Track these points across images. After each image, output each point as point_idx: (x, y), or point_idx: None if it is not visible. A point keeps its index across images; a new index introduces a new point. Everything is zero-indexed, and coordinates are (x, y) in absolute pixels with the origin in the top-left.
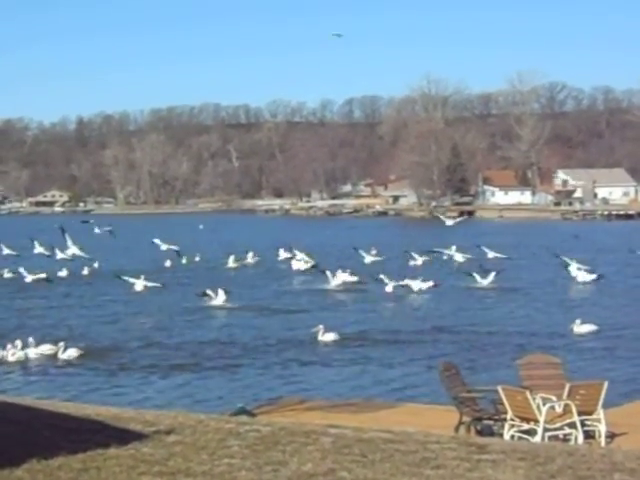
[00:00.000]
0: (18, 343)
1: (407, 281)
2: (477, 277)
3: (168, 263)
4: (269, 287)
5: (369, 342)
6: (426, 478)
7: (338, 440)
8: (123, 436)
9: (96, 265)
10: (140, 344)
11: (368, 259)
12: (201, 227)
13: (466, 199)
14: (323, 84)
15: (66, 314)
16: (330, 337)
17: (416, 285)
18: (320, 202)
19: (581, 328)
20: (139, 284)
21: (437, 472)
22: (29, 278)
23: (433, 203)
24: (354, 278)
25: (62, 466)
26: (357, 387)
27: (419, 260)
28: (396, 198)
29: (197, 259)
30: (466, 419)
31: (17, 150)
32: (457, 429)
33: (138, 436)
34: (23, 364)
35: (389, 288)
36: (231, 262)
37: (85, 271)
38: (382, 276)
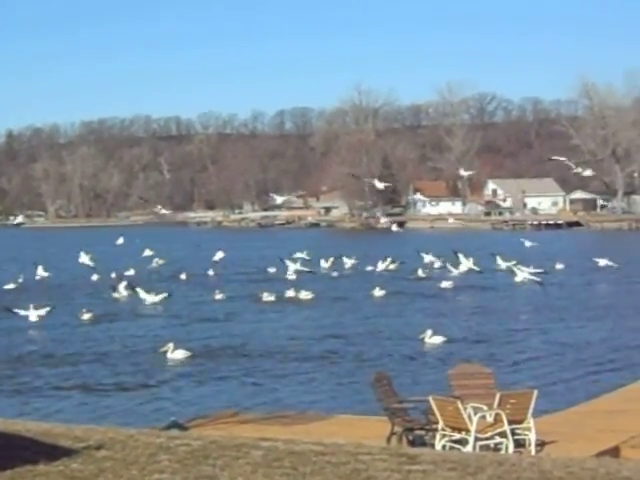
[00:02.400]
0: None
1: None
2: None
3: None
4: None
5: (297, 354)
6: None
7: (269, 453)
8: (52, 452)
9: None
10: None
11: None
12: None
13: (397, 210)
14: (254, 96)
15: None
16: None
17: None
18: (252, 214)
19: (432, 339)
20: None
21: None
22: None
23: (364, 214)
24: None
25: None
26: (291, 399)
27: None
28: (328, 209)
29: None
30: (398, 429)
31: None
32: (389, 440)
33: (67, 452)
34: None
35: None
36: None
37: None
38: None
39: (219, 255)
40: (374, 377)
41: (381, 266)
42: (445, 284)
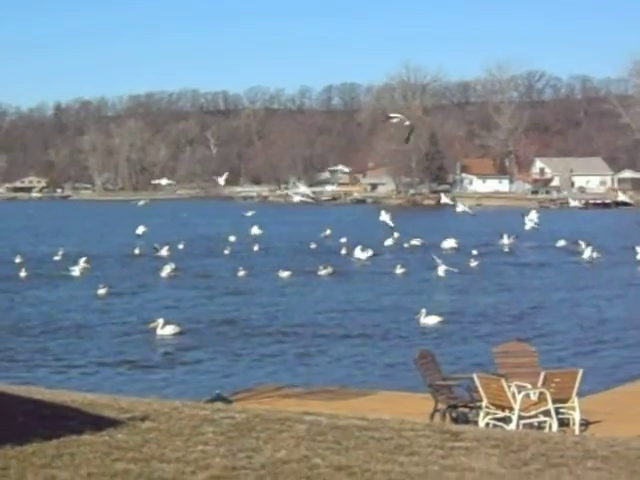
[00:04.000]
0: None
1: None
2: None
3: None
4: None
5: (344, 330)
6: (400, 465)
7: (312, 427)
8: (98, 422)
9: None
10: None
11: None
12: (184, 215)
13: (444, 187)
14: (302, 71)
15: None
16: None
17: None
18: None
19: (427, 319)
20: None
21: (411, 459)
22: None
23: (411, 191)
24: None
25: (36, 452)
26: (334, 374)
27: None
28: (374, 186)
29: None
30: (441, 407)
31: None
32: (432, 417)
33: (113, 422)
34: None
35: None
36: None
37: None
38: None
39: (255, 230)
40: (418, 354)
41: (445, 244)
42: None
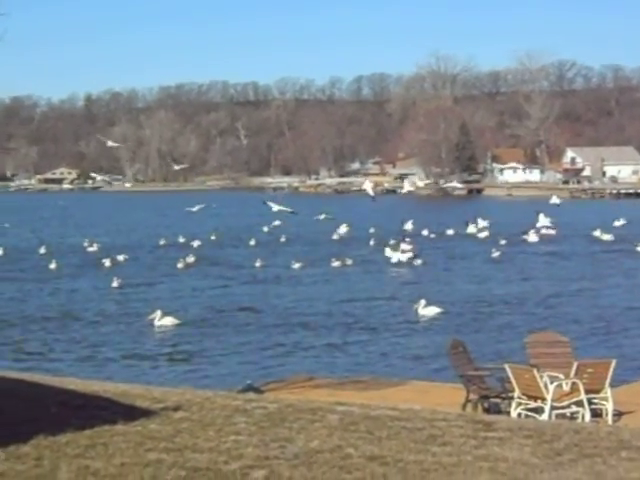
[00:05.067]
0: None
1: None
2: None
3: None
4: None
5: (371, 320)
6: (433, 455)
7: (345, 417)
8: (130, 413)
9: None
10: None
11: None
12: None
13: (474, 177)
14: (332, 61)
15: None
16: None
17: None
18: (328, 180)
19: (425, 310)
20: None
21: (444, 449)
22: None
23: (441, 181)
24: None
25: (69, 442)
26: (364, 364)
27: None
28: (404, 176)
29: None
30: (473, 397)
31: (26, 127)
32: (464, 407)
33: (145, 413)
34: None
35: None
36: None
37: None
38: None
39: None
40: (449, 344)
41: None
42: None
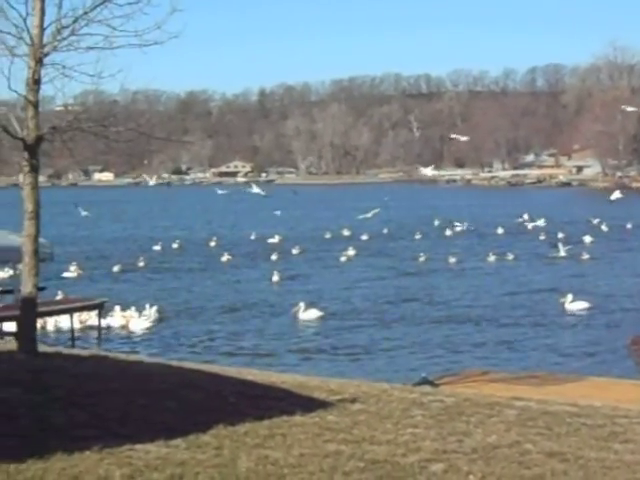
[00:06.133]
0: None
1: None
2: None
3: None
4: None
5: (539, 314)
6: (615, 453)
7: (523, 412)
8: (308, 404)
9: None
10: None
11: None
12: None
13: None
14: (506, 52)
15: None
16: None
17: None
18: (502, 172)
19: (572, 305)
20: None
21: (626, 447)
22: None
23: (618, 173)
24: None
25: (248, 432)
26: (534, 359)
27: None
28: (580, 168)
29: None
30: None
31: (200, 121)
32: None
33: (323, 404)
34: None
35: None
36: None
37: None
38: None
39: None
40: (630, 340)
41: None
42: None
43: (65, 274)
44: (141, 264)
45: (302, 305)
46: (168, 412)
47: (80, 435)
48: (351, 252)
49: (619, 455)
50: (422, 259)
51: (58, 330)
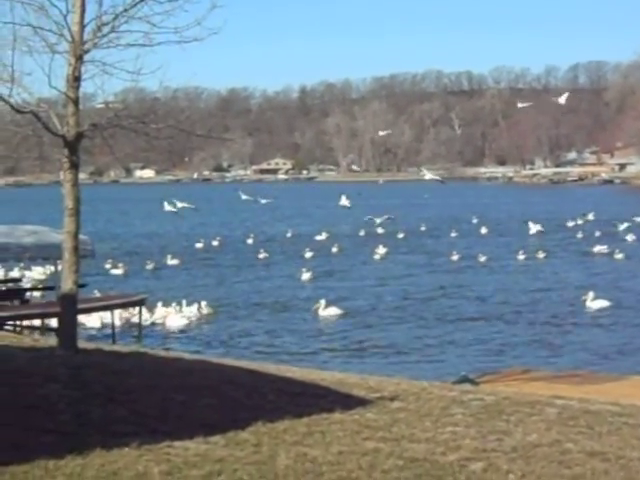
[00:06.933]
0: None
1: None
2: None
3: None
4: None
5: (577, 312)
6: None
7: (564, 411)
8: (347, 401)
9: None
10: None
11: None
12: (426, 196)
13: None
14: (548, 50)
15: None
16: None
17: None
18: (544, 170)
19: (594, 303)
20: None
21: None
22: None
23: None
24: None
25: (287, 429)
26: (580, 359)
27: None
28: (622, 166)
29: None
30: None
31: (241, 119)
32: None
33: (362, 401)
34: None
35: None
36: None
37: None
38: None
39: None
40: None
41: None
42: None
43: (112, 271)
44: (181, 261)
45: (322, 302)
46: (207, 409)
47: (119, 431)
48: (383, 249)
49: None
50: (455, 257)
51: (100, 327)
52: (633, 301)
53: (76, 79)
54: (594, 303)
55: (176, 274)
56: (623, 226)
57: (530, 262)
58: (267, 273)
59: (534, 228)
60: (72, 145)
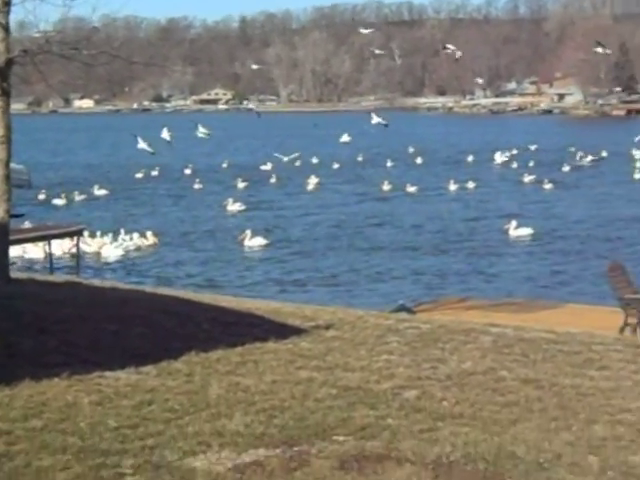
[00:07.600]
0: None
1: None
2: None
3: None
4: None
5: (531, 239)
6: (590, 379)
7: (499, 339)
8: (282, 330)
9: None
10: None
11: None
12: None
13: (634, 97)
14: None
15: None
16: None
17: None
18: (484, 100)
19: (516, 231)
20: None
21: (602, 373)
22: None
23: (599, 101)
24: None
25: (220, 359)
26: (516, 288)
27: None
28: (561, 96)
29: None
30: (632, 321)
31: (181, 48)
32: (622, 331)
33: (297, 331)
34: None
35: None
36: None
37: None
38: None
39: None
40: (608, 267)
41: None
42: None
43: (54, 201)
44: (116, 190)
45: (248, 233)
46: (140, 338)
47: (49, 362)
48: (315, 179)
49: (594, 382)
50: (388, 187)
51: (43, 259)
52: (563, 229)
53: (5, 4)
54: (517, 231)
55: (112, 204)
56: (556, 156)
57: (461, 192)
58: (201, 203)
59: (470, 155)
60: (2, 72)
